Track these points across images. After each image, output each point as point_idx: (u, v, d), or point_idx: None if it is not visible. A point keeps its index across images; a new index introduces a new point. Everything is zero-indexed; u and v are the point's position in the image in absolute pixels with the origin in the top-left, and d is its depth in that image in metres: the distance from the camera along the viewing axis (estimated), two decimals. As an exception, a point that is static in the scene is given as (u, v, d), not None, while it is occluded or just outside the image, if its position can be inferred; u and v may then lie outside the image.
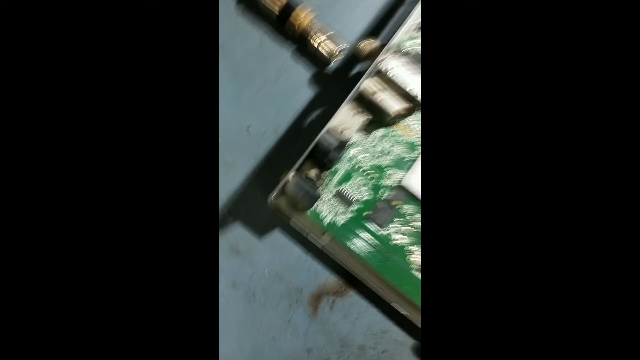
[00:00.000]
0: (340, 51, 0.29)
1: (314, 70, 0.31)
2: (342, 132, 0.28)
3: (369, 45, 0.28)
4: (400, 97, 0.28)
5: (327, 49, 0.29)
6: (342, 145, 0.28)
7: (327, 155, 0.27)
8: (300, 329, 0.31)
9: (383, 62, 0.27)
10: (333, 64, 0.31)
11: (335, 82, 0.29)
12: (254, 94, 0.31)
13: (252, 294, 0.32)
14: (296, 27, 0.30)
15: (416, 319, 0.29)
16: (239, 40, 0.31)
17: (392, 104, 0.28)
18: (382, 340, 0.31)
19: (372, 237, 0.29)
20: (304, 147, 0.28)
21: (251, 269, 0.32)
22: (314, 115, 0.30)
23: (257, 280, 0.32)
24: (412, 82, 0.27)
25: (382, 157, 0.30)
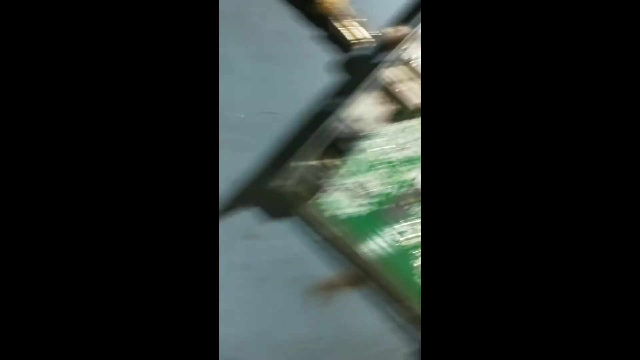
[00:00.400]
0: (370, 38, 0.28)
1: (341, 56, 0.30)
2: (357, 121, 0.27)
3: (397, 32, 0.27)
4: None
5: (357, 35, 0.28)
6: (357, 135, 0.27)
7: (338, 144, 0.26)
8: (311, 317, 0.31)
9: (405, 52, 0.26)
10: (361, 51, 0.30)
11: (363, 70, 0.28)
12: (278, 77, 0.30)
13: (264, 277, 0.31)
14: (325, 9, 0.29)
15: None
16: (265, 20, 0.30)
17: (412, 96, 0.27)
18: (393, 337, 0.30)
19: (383, 235, 0.28)
20: (322, 133, 0.27)
21: (266, 254, 0.31)
22: (337, 101, 0.29)
23: (271, 264, 0.31)
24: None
25: (403, 151, 0.29)
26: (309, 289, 0.30)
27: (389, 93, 0.27)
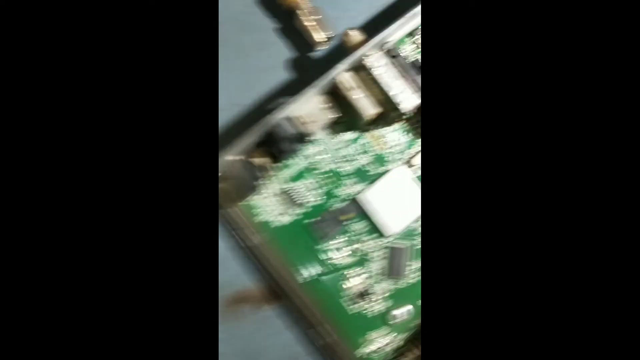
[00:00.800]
0: (328, 39, 0.26)
1: (296, 54, 0.28)
2: (304, 123, 0.24)
3: (356, 36, 0.25)
4: (378, 102, 0.25)
5: (314, 34, 0.26)
6: (301, 138, 0.24)
7: (280, 144, 0.24)
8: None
9: (369, 58, 0.24)
10: (323, 51, 0.27)
11: (316, 70, 0.26)
12: (231, 64, 0.28)
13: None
14: (294, 3, 0.26)
15: (335, 349, 0.26)
16: (221, 5, 0.27)
17: (369, 106, 0.25)
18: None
19: (310, 250, 0.26)
20: (264, 129, 0.24)
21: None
22: (284, 100, 0.26)
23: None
24: (397, 87, 0.24)
25: (343, 163, 0.26)
26: (222, 299, 0.27)
27: (342, 99, 0.25)
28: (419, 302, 0.26)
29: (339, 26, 0.26)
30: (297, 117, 0.24)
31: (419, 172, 0.27)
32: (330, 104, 0.25)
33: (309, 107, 0.25)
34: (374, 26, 0.26)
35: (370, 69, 0.24)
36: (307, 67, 0.27)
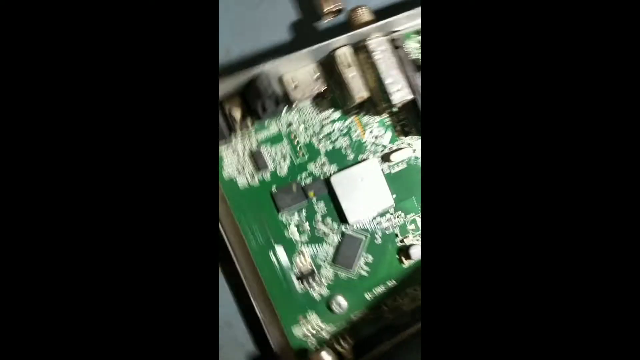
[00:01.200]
0: (337, 10, 0.26)
1: (302, 17, 0.27)
2: (295, 88, 0.24)
3: (364, 15, 0.24)
4: (370, 87, 0.24)
5: (324, 3, 0.26)
6: (285, 101, 0.24)
7: (263, 100, 0.23)
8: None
9: (372, 40, 0.24)
10: (324, 22, 0.27)
11: (316, 39, 0.25)
12: (233, 14, 0.27)
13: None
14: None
15: (270, 322, 0.25)
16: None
17: (361, 87, 0.24)
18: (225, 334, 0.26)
19: (267, 217, 0.25)
20: (249, 82, 0.23)
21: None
22: (277, 58, 0.25)
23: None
24: (392, 77, 0.24)
25: (323, 141, 0.26)
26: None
27: (336, 74, 0.24)
28: (366, 295, 0.26)
29: (352, 1, 0.26)
30: (287, 80, 0.24)
31: (395, 169, 0.27)
32: (322, 76, 0.24)
33: (300, 73, 0.24)
34: (386, 12, 0.25)
35: (371, 52, 0.24)
36: (309, 33, 0.27)
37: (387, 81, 0.24)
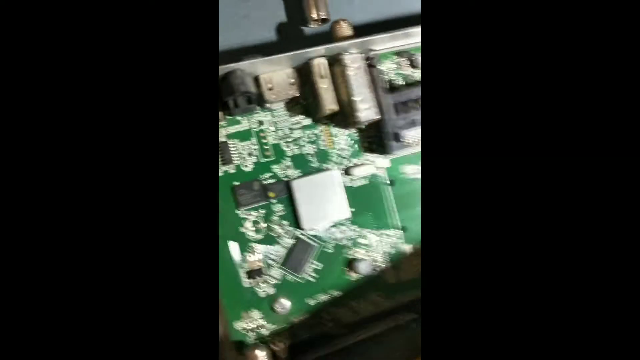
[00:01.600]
0: (322, 20, 0.26)
1: (288, 19, 0.28)
2: (269, 88, 0.25)
3: (345, 29, 0.25)
4: (340, 101, 0.25)
5: (311, 10, 0.26)
6: (258, 101, 0.25)
7: (236, 97, 0.24)
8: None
9: (347, 55, 0.24)
10: (309, 27, 0.27)
11: (297, 43, 0.26)
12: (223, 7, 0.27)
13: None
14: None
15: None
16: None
17: (330, 100, 0.25)
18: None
19: (226, 210, 0.26)
20: (226, 77, 0.24)
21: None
22: (255, 56, 0.26)
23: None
24: (362, 95, 0.25)
25: (290, 144, 0.27)
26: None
27: (310, 82, 0.25)
28: (310, 301, 0.27)
29: (338, 13, 0.26)
30: (263, 80, 0.24)
31: (356, 183, 0.27)
32: (298, 82, 0.25)
33: (277, 75, 0.25)
34: (367, 30, 0.26)
35: (345, 66, 0.24)
36: (292, 36, 0.27)
37: (357, 98, 0.24)
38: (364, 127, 0.26)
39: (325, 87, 0.25)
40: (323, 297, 0.27)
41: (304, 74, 0.25)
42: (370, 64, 0.25)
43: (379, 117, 0.25)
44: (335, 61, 0.25)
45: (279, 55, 0.24)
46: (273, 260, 0.26)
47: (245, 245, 0.26)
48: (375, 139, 0.27)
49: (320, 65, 0.25)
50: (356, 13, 0.28)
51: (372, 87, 0.25)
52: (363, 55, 0.25)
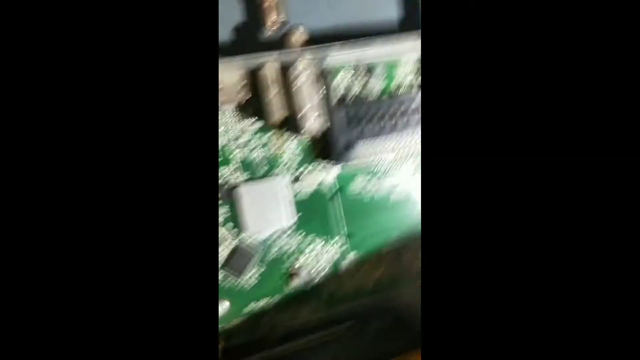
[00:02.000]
0: (278, 24, 0.26)
1: (244, 20, 0.27)
2: (219, 89, 0.24)
3: (300, 36, 0.25)
4: (289, 108, 0.25)
5: (268, 13, 0.26)
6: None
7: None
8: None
9: (300, 63, 0.24)
10: (265, 31, 0.27)
11: (250, 46, 0.26)
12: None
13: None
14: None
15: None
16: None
17: (279, 107, 0.24)
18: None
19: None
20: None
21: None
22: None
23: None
24: (312, 105, 0.24)
25: (240, 147, 0.26)
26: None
27: (260, 87, 0.24)
28: (248, 305, 0.27)
29: (296, 19, 0.26)
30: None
31: (304, 191, 0.27)
32: (249, 86, 0.25)
33: (227, 77, 0.24)
34: (326, 39, 0.26)
35: (297, 74, 0.24)
36: (247, 39, 0.27)
37: (306, 107, 0.24)
38: (314, 134, 0.26)
39: (275, 92, 0.24)
40: (262, 302, 0.27)
41: (255, 77, 0.25)
42: (322, 74, 0.24)
43: (327, 125, 0.25)
44: (288, 68, 0.24)
45: (232, 57, 0.24)
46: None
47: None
48: (326, 147, 0.27)
49: (272, 70, 0.24)
50: (315, 20, 0.27)
51: (323, 97, 0.24)
52: (317, 62, 0.24)
